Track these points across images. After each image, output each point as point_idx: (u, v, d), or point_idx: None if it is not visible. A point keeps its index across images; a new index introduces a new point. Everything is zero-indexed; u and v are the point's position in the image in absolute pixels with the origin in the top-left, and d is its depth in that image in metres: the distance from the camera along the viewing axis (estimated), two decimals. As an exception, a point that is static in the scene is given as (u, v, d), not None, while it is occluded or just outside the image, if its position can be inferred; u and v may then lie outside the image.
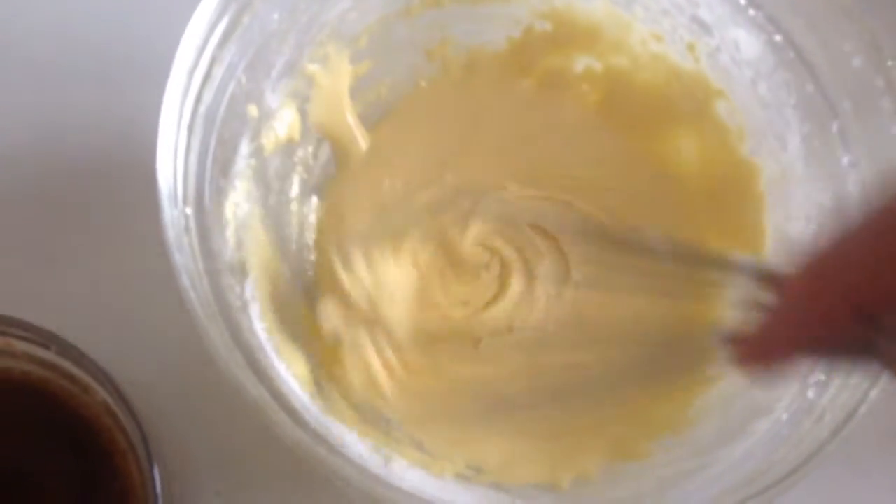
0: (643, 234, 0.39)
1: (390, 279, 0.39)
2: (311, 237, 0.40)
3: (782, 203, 0.38)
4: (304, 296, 0.38)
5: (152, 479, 0.32)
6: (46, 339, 0.32)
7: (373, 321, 0.38)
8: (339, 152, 0.41)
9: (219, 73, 0.34)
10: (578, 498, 0.34)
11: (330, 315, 0.38)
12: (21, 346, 0.33)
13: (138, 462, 0.33)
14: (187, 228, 0.31)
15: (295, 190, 0.40)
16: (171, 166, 0.31)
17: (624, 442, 0.36)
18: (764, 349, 0.22)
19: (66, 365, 0.33)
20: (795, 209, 0.37)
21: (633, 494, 0.33)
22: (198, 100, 0.33)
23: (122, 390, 0.32)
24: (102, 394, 0.33)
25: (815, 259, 0.21)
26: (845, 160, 0.35)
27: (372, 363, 0.37)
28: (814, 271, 0.21)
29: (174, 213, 0.30)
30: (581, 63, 0.42)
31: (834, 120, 0.35)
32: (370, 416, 0.35)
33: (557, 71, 0.43)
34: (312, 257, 0.40)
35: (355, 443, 0.32)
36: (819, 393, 0.31)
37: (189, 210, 0.31)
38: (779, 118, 0.38)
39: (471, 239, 0.40)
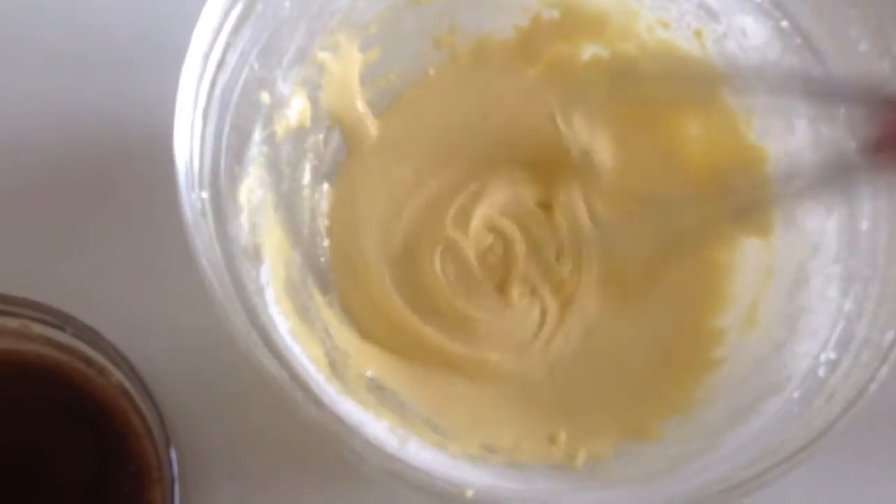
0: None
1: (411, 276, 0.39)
2: (322, 223, 0.40)
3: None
4: (318, 281, 0.38)
5: (169, 461, 0.32)
6: (62, 320, 0.32)
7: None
8: (349, 139, 0.42)
9: (232, 59, 0.34)
10: (591, 477, 0.34)
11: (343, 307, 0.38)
12: (37, 328, 0.33)
13: (154, 444, 0.33)
14: (204, 212, 0.31)
15: (307, 177, 0.40)
16: (187, 151, 0.31)
17: (636, 423, 0.36)
18: None
19: (82, 347, 0.33)
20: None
21: (645, 473, 0.33)
22: (212, 85, 0.33)
23: (139, 372, 0.32)
24: (118, 376, 0.33)
25: None
26: (852, 146, 0.35)
27: (385, 353, 0.38)
28: None
29: (191, 197, 0.30)
30: (588, 51, 0.43)
31: (844, 104, 0.35)
32: (385, 399, 0.36)
33: (565, 59, 0.43)
34: (325, 243, 0.40)
35: (371, 423, 0.33)
36: (829, 371, 0.32)
37: (205, 194, 0.31)
38: (785, 103, 0.38)
39: (477, 224, 0.40)
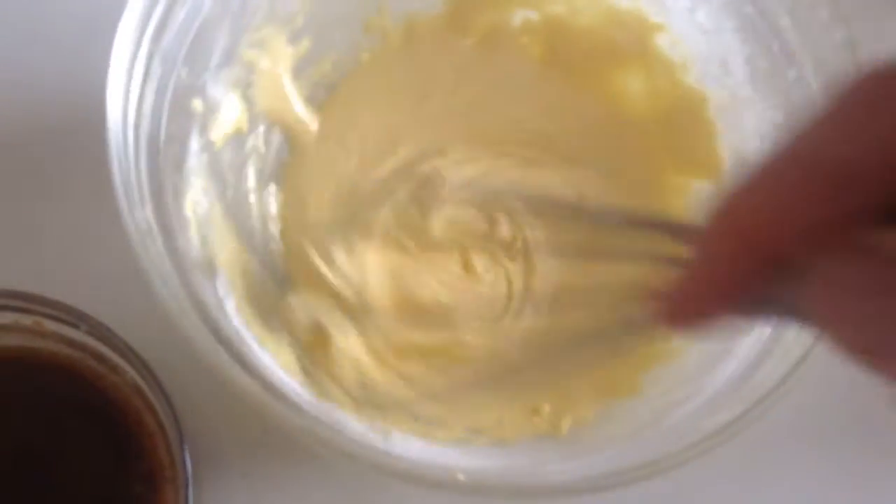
0: (588, 206, 0.40)
1: (368, 265, 0.38)
2: (274, 227, 0.40)
3: (735, 127, 0.38)
4: (277, 286, 0.38)
5: (182, 460, 0.32)
6: (76, 317, 0.31)
7: (357, 309, 0.37)
8: (291, 137, 0.41)
9: (157, 68, 0.33)
10: (578, 441, 0.34)
11: (309, 307, 0.37)
12: (51, 325, 0.33)
13: (167, 443, 0.33)
14: (150, 231, 0.30)
15: (251, 180, 0.39)
16: (124, 169, 0.30)
17: (615, 381, 0.36)
18: (681, 307, 0.20)
19: (96, 344, 0.33)
20: (749, 131, 0.37)
21: (631, 430, 0.33)
22: (140, 98, 0.32)
23: (153, 370, 0.31)
24: (132, 374, 0.32)
25: (716, 210, 0.19)
26: (791, 75, 0.35)
27: (359, 353, 0.37)
28: (716, 221, 0.19)
29: (136, 216, 0.29)
30: (518, 16, 0.42)
31: (775, 38, 0.35)
32: (363, 395, 0.35)
33: (496, 26, 0.43)
34: (280, 247, 0.39)
35: (352, 422, 0.32)
36: (797, 304, 0.32)
37: (149, 212, 0.30)
38: (720, 44, 0.38)
39: (436, 216, 0.40)
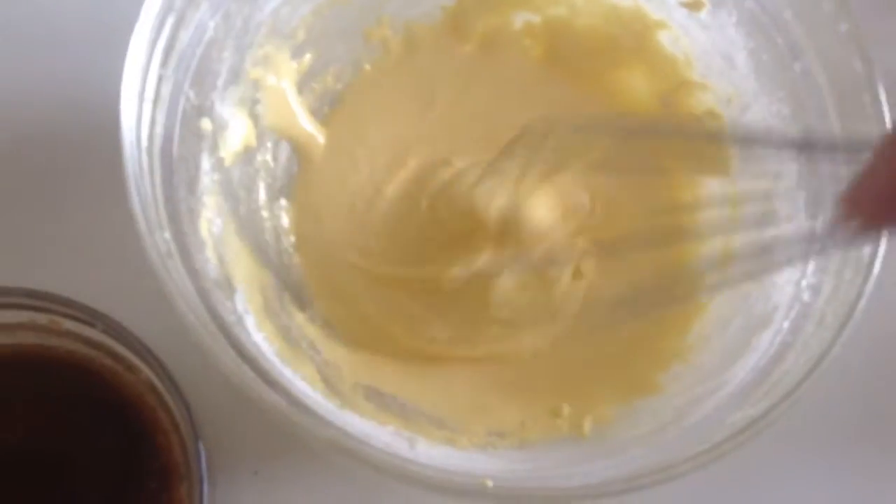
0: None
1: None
2: (287, 240, 0.40)
3: (741, 121, 0.38)
4: (294, 299, 0.38)
5: (197, 457, 0.32)
6: (92, 317, 0.32)
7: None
8: (299, 150, 0.41)
9: (167, 92, 0.33)
10: (601, 442, 0.34)
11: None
12: (67, 324, 0.33)
13: (182, 441, 0.33)
14: (170, 253, 0.30)
15: (262, 196, 0.39)
16: (142, 194, 0.30)
17: (635, 380, 0.36)
18: (871, 203, 0.22)
19: (111, 343, 0.33)
20: (756, 123, 0.37)
21: (654, 429, 0.33)
22: (152, 123, 0.32)
23: (168, 369, 0.31)
24: (147, 372, 0.33)
25: None
26: (797, 68, 0.35)
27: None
28: None
29: (155, 240, 0.29)
30: (519, 19, 0.42)
31: (778, 32, 0.36)
32: (385, 404, 0.35)
33: (496, 31, 0.43)
34: (295, 260, 0.39)
35: (377, 431, 0.33)
36: (814, 295, 0.32)
37: (168, 235, 0.31)
38: (723, 38, 0.38)
39: (454, 210, 0.40)
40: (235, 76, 0.37)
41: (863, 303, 0.30)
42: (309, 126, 0.41)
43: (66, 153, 0.41)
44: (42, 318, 0.33)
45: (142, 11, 0.31)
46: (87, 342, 0.34)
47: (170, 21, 0.33)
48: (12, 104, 0.42)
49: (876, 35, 0.32)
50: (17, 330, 0.34)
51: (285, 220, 0.40)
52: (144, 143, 0.31)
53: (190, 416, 0.31)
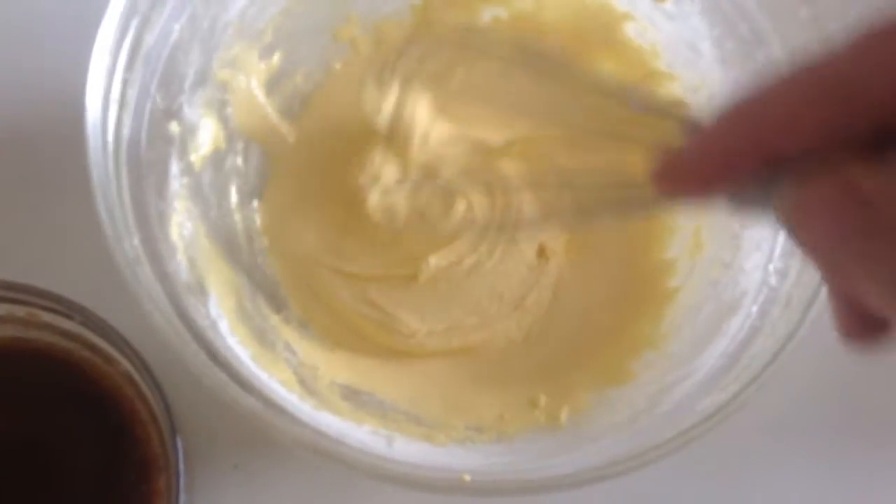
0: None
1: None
2: (260, 242, 0.40)
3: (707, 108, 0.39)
4: (269, 300, 0.38)
5: (175, 449, 0.32)
6: (70, 309, 0.32)
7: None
8: (269, 151, 0.41)
9: (133, 95, 0.33)
10: (578, 431, 0.34)
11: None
12: (45, 316, 0.33)
13: (160, 433, 0.33)
14: (138, 259, 0.30)
15: (233, 198, 0.39)
16: (109, 200, 0.30)
17: (609, 368, 0.37)
18: (681, 173, 0.22)
19: (89, 335, 0.33)
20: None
21: (628, 417, 0.34)
22: (118, 125, 0.32)
23: (146, 361, 0.31)
24: (125, 364, 0.33)
25: (732, 104, 0.21)
26: (760, 55, 0.36)
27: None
28: (727, 111, 0.21)
29: (123, 246, 0.29)
30: (487, 14, 0.43)
31: (742, 19, 0.36)
32: (362, 403, 0.36)
33: (465, 27, 0.43)
34: (268, 262, 0.39)
35: (354, 431, 0.33)
36: (781, 279, 0.33)
37: (136, 241, 0.30)
38: (687, 28, 0.39)
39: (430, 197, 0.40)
40: (203, 78, 0.37)
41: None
42: (279, 126, 0.41)
43: (43, 148, 0.41)
44: (20, 311, 0.33)
45: (105, 14, 0.31)
46: (65, 334, 0.34)
47: (134, 23, 0.33)
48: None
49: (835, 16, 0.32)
50: (-7, 322, 0.34)
51: (258, 222, 0.40)
52: (111, 147, 0.31)
53: (167, 408, 0.31)
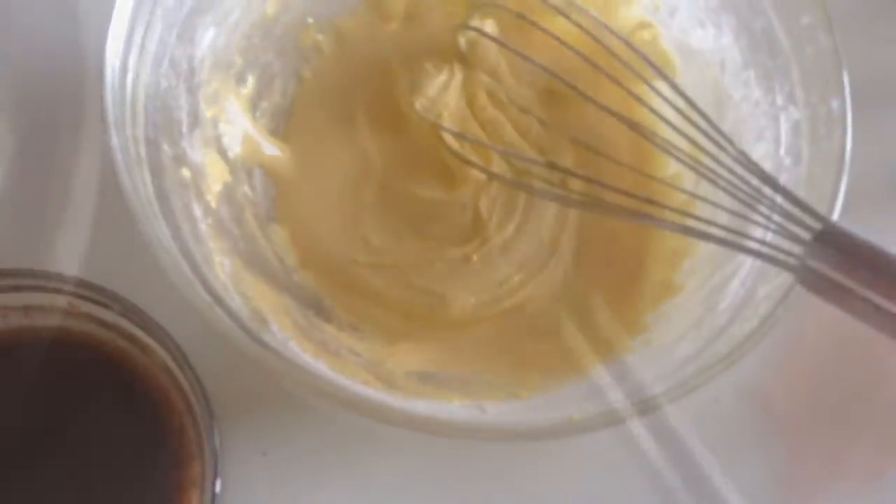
0: None
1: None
2: (291, 260, 0.40)
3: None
4: (319, 313, 0.38)
5: (211, 437, 0.32)
6: (109, 299, 0.32)
7: None
8: (270, 174, 0.41)
9: (144, 151, 0.33)
10: (648, 352, 0.36)
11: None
12: (84, 306, 0.33)
13: (195, 422, 0.33)
14: (211, 305, 0.31)
15: (252, 225, 0.40)
16: (162, 260, 0.30)
17: (653, 286, 0.39)
18: None
19: (127, 325, 0.33)
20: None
21: (692, 323, 0.35)
22: (144, 182, 0.32)
23: (184, 350, 0.32)
24: (162, 354, 0.33)
25: None
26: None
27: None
28: None
29: (198, 300, 0.30)
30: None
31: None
32: (441, 383, 0.37)
33: (416, 2, 0.44)
34: (305, 277, 0.40)
35: (447, 408, 0.34)
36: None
37: (201, 290, 0.31)
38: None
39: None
40: (196, 119, 0.37)
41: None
42: (271, 146, 0.41)
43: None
44: (60, 301, 0.33)
45: (105, 81, 0.31)
46: (103, 324, 0.34)
47: (129, 80, 0.33)
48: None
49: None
50: (35, 312, 0.34)
51: (282, 242, 0.40)
52: (142, 196, 0.32)
53: (206, 398, 0.32)
